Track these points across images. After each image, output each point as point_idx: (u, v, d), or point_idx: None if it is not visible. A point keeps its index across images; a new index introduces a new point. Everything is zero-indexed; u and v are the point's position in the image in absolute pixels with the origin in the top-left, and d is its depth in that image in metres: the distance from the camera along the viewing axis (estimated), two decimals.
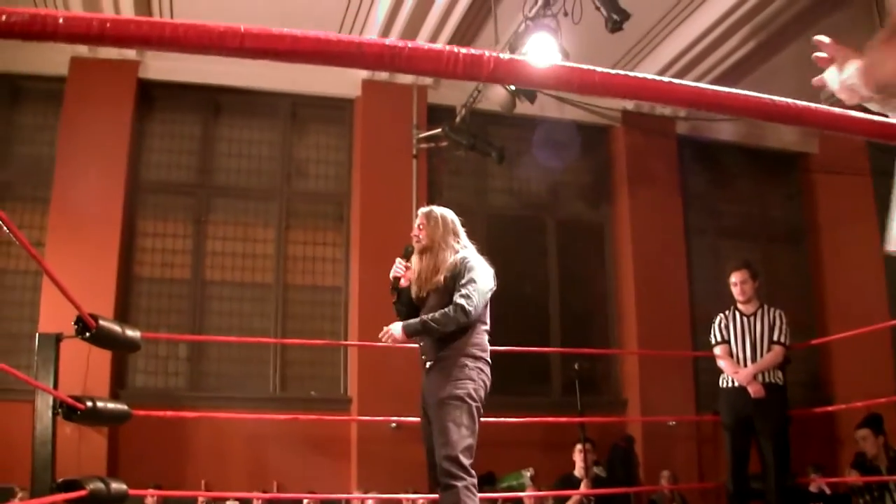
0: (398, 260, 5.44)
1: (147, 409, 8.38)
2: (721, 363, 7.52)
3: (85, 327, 6.23)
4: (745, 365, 7.33)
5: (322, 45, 1.66)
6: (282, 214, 10.79)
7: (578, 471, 9.00)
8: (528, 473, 9.81)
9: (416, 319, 5.09)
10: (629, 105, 11.58)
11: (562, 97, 10.95)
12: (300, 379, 10.46)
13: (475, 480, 4.82)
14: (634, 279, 11.44)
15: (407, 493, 8.62)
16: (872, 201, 11.33)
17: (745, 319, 7.47)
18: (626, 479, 9.85)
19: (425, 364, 5.21)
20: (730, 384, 7.42)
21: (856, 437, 8.59)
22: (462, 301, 5.03)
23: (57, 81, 10.22)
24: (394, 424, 9.37)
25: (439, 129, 10.44)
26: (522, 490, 9.46)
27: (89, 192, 9.85)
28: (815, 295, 12.71)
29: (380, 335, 5.15)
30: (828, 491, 9.10)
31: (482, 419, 7.61)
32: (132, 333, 6.82)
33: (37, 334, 6.55)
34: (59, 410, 6.23)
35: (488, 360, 5.24)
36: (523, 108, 10.09)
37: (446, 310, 5.02)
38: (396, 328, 5.09)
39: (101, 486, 6.33)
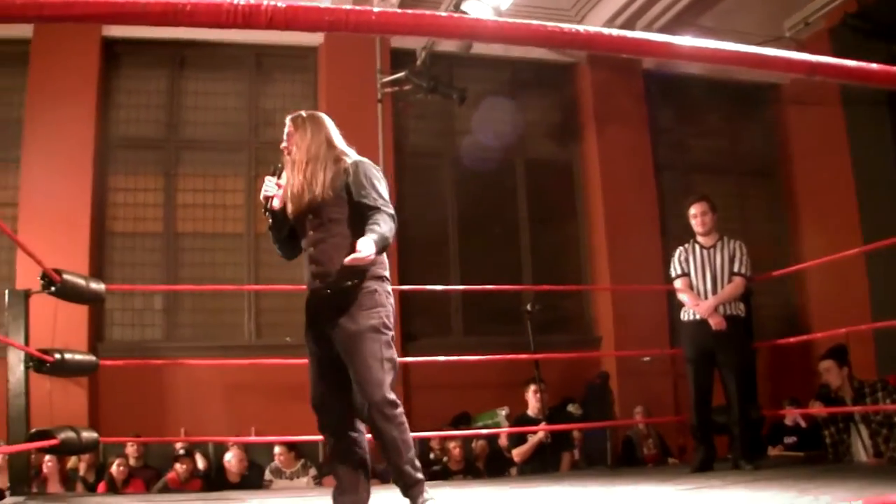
0: (267, 178, 4.73)
1: (124, 360, 8.54)
2: (681, 296, 7.55)
3: (50, 282, 6.37)
4: (706, 297, 7.35)
5: (108, 8, 1.70)
6: (251, 164, 10.79)
7: (532, 411, 9.08)
8: (503, 412, 9.90)
9: (374, 234, 4.23)
10: None
11: None
12: (274, 326, 10.52)
13: (402, 408, 4.37)
14: (605, 216, 11.48)
15: None
16: (844, 131, 11.35)
17: (704, 252, 7.49)
18: (601, 416, 9.95)
19: (319, 288, 4.50)
20: (691, 317, 7.44)
21: (819, 370, 8.60)
22: (382, 203, 4.42)
23: (22, 44, 10.16)
24: None
25: (402, 73, 10.45)
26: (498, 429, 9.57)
27: (59, 151, 9.90)
28: (790, 227, 12.76)
29: (347, 259, 4.13)
30: (803, 424, 9.14)
31: (450, 358, 7.65)
32: (96, 286, 6.98)
33: (6, 291, 6.67)
34: (31, 364, 6.37)
35: (389, 277, 4.60)
36: (488, 48, 10.20)
37: (381, 216, 4.35)
38: (370, 246, 4.15)
39: (72, 434, 6.51)
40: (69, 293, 6.64)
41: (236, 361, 9.34)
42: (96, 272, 9.57)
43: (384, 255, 4.49)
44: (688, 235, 7.79)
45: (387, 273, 4.57)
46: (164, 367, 9.59)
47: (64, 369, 6.76)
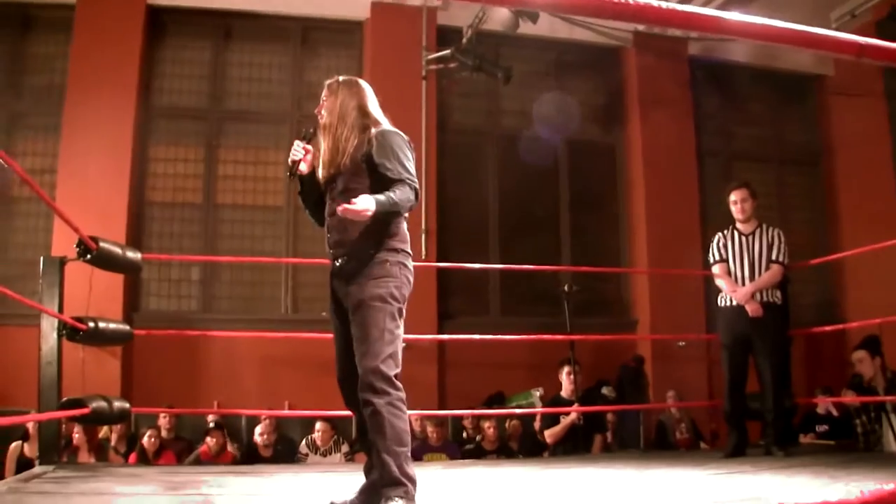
0: (296, 142, 4.46)
1: (160, 331, 8.56)
2: (719, 282, 7.48)
3: (86, 249, 6.36)
4: (744, 284, 7.29)
5: None
6: (292, 138, 10.67)
7: (566, 392, 9.03)
8: (537, 393, 9.89)
9: (384, 196, 4.07)
10: (640, 26, 11.44)
11: (571, 18, 10.93)
12: (311, 300, 10.54)
13: (402, 395, 4.06)
14: (645, 201, 11.46)
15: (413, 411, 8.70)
16: (887, 123, 11.27)
17: (743, 238, 7.42)
18: (635, 399, 9.91)
19: (335, 261, 4.34)
20: (728, 303, 7.38)
21: (852, 360, 8.54)
22: (407, 176, 4.21)
23: (66, 9, 10.23)
24: (403, 344, 9.37)
25: (448, 51, 10.41)
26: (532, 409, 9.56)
27: (100, 119, 9.95)
28: (828, 216, 12.69)
29: (339, 209, 4.00)
30: (835, 413, 9.09)
31: (486, 336, 7.54)
32: (132, 255, 6.96)
33: (41, 258, 6.65)
34: (64, 332, 6.36)
35: (409, 251, 4.38)
36: (535, 29, 10.09)
37: (402, 185, 4.17)
38: (370, 202, 3.99)
39: (103, 404, 6.48)
40: (105, 261, 6.62)
41: (271, 334, 9.37)
42: (134, 241, 9.62)
43: (404, 228, 4.35)
44: (727, 222, 7.71)
45: (405, 247, 4.34)
46: (199, 338, 9.65)
47: (97, 338, 6.74)
